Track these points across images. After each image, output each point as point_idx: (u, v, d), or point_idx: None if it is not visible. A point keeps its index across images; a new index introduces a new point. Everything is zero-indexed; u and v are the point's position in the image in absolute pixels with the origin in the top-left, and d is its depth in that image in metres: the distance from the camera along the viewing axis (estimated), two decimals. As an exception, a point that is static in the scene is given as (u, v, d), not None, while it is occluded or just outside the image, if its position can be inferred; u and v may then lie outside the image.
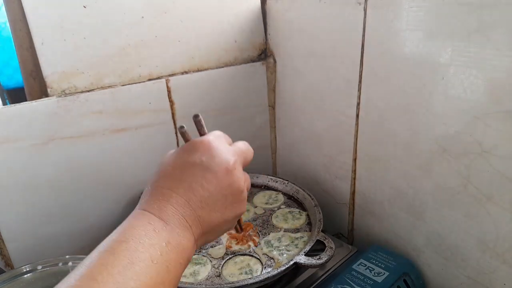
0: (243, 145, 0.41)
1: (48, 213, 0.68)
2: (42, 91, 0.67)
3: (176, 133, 0.79)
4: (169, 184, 0.35)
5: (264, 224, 0.72)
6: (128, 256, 0.29)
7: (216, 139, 0.39)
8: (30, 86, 0.68)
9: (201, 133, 0.41)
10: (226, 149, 0.38)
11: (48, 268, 0.59)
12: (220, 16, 0.79)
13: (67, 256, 0.60)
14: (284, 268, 0.57)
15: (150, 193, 0.35)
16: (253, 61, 0.86)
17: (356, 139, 0.71)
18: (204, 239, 0.37)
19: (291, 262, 0.58)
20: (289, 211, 0.75)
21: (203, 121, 0.41)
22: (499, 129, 0.49)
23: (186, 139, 0.40)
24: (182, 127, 0.40)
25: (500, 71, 0.47)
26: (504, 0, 0.45)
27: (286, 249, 0.64)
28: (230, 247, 0.66)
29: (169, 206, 0.34)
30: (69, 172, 0.68)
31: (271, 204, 0.78)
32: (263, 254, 0.64)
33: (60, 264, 0.59)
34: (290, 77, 0.84)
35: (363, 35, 0.63)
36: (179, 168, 0.36)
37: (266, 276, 0.56)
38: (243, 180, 0.39)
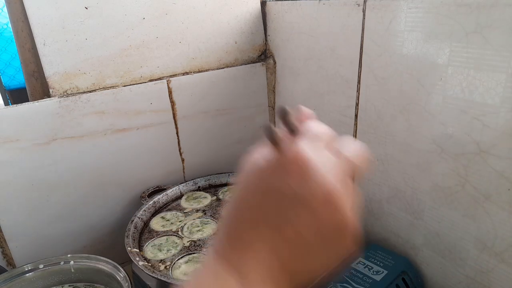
0: (354, 145, 0.28)
1: (50, 212, 0.68)
2: (44, 92, 0.68)
3: (177, 133, 0.79)
4: (250, 222, 0.26)
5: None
6: None
7: (314, 147, 0.25)
8: (32, 87, 0.68)
9: (292, 132, 0.27)
10: (328, 163, 0.25)
11: (49, 267, 0.60)
12: (221, 18, 0.79)
13: (68, 255, 0.60)
14: (283, 267, 0.57)
15: (226, 234, 0.27)
16: (253, 62, 0.87)
17: (355, 139, 0.71)
18: None
19: (291, 261, 0.58)
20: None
21: (292, 117, 0.27)
22: (497, 129, 0.49)
23: (273, 143, 0.26)
24: (270, 127, 0.25)
25: (498, 72, 0.47)
26: (502, 1, 0.45)
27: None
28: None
29: (250, 258, 0.25)
30: (71, 172, 0.68)
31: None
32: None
33: (62, 263, 0.60)
34: (289, 77, 0.84)
35: (362, 36, 0.64)
36: (262, 197, 0.26)
37: (265, 274, 0.56)
38: (350, 206, 0.26)
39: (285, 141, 0.26)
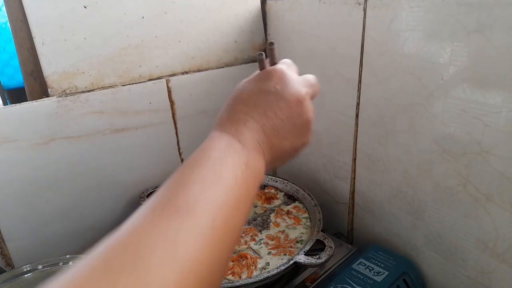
0: (312, 78, 0.42)
1: (49, 212, 0.68)
2: (42, 91, 0.68)
3: (176, 132, 0.79)
4: (245, 109, 0.36)
5: (264, 223, 0.72)
6: (216, 174, 0.30)
7: (289, 69, 0.39)
8: (31, 86, 0.68)
9: (273, 62, 0.41)
10: (298, 80, 0.39)
11: (48, 268, 0.59)
12: (220, 17, 0.79)
13: (67, 256, 0.60)
14: (284, 267, 0.57)
15: (226, 116, 0.36)
16: (253, 61, 0.86)
17: (356, 139, 0.71)
18: (271, 165, 0.38)
19: (291, 262, 0.58)
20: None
21: (276, 50, 0.40)
22: (498, 129, 0.49)
23: (261, 67, 0.40)
24: (261, 54, 0.40)
25: (499, 71, 0.47)
26: (503, 0, 0.45)
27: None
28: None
29: (245, 130, 0.34)
30: (70, 172, 0.68)
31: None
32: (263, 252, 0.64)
33: (61, 263, 0.60)
34: (290, 77, 0.84)
35: (363, 35, 0.63)
36: (254, 94, 0.37)
37: (266, 275, 0.56)
38: (311, 112, 0.39)
39: (269, 64, 0.41)
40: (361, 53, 0.65)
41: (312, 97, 0.41)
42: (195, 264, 0.24)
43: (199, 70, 0.79)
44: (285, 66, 0.39)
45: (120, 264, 0.22)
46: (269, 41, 0.42)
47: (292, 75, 0.39)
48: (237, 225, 0.31)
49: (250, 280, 0.56)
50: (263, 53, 0.40)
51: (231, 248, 0.30)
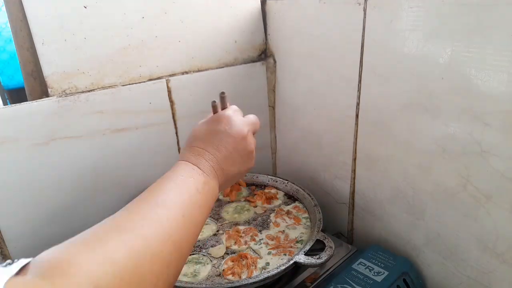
0: (253, 118, 0.54)
1: (49, 213, 0.68)
2: (42, 91, 0.68)
3: (176, 132, 0.79)
4: (202, 145, 0.47)
5: (264, 223, 0.72)
6: (184, 186, 0.41)
7: (234, 113, 0.51)
8: (31, 86, 0.68)
9: (224, 107, 0.53)
10: (242, 121, 0.51)
11: (48, 268, 0.59)
12: (220, 17, 0.79)
13: (67, 256, 0.60)
14: (284, 267, 0.57)
15: (187, 151, 0.47)
16: (253, 61, 0.86)
17: (356, 139, 0.71)
18: (223, 187, 0.49)
19: (291, 262, 0.58)
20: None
21: (226, 98, 0.53)
22: (498, 128, 0.49)
23: (214, 111, 0.53)
24: (214, 101, 0.52)
25: (500, 71, 0.47)
26: (503, 0, 0.45)
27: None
28: (230, 246, 0.66)
29: (203, 159, 0.46)
30: (70, 172, 0.68)
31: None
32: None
33: (61, 263, 0.60)
34: (290, 77, 0.84)
35: (363, 35, 0.63)
36: (209, 133, 0.49)
37: (266, 275, 0.56)
38: (253, 144, 0.52)
39: (220, 109, 0.53)
40: (361, 53, 0.65)
41: (254, 132, 0.53)
42: (172, 233, 0.36)
43: (199, 70, 0.79)
44: (231, 111, 0.51)
45: (124, 223, 0.35)
46: (220, 91, 0.52)
47: (237, 117, 0.51)
48: (199, 221, 0.42)
49: (250, 280, 0.56)
50: (216, 101, 0.52)
51: (195, 236, 0.41)
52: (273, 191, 0.82)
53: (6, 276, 0.25)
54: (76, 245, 0.31)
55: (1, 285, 0.23)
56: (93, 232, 0.34)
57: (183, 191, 0.41)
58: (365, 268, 0.62)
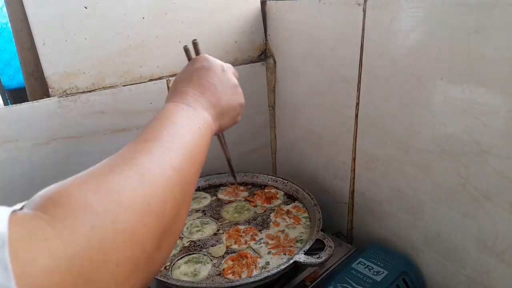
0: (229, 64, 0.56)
1: (50, 212, 0.68)
2: (43, 91, 0.68)
3: (176, 133, 0.79)
4: (184, 84, 0.48)
5: (264, 223, 0.72)
6: (179, 126, 0.41)
7: (209, 55, 0.53)
8: (32, 86, 0.68)
9: (198, 54, 0.55)
10: (218, 59, 0.53)
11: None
12: (221, 17, 0.79)
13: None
14: (284, 267, 0.57)
15: (171, 93, 0.48)
16: (253, 61, 0.87)
17: (356, 139, 0.71)
18: (220, 122, 0.50)
19: (291, 261, 0.58)
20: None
21: (199, 45, 0.55)
22: (497, 128, 0.49)
23: (189, 58, 0.55)
24: (186, 45, 0.54)
25: (499, 71, 0.47)
26: (503, 0, 0.45)
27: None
28: (230, 246, 0.67)
29: (188, 96, 0.46)
30: (70, 172, 0.68)
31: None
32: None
33: (62, 263, 0.60)
34: (290, 77, 0.84)
35: (362, 36, 0.64)
36: (189, 73, 0.50)
37: (266, 275, 0.56)
38: (235, 79, 0.54)
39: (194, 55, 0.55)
40: (360, 53, 0.65)
41: (234, 75, 0.55)
42: (179, 162, 0.36)
43: (199, 70, 0.79)
44: (206, 54, 0.54)
45: (135, 153, 0.34)
46: (193, 40, 0.55)
47: (212, 57, 0.53)
48: (199, 158, 0.41)
49: (250, 280, 0.56)
50: (187, 45, 0.55)
51: (197, 170, 0.40)
52: (273, 190, 0.83)
53: (10, 210, 0.25)
54: (78, 179, 0.31)
55: (6, 218, 0.24)
56: (94, 169, 0.33)
57: (177, 123, 0.41)
58: (365, 268, 0.62)
